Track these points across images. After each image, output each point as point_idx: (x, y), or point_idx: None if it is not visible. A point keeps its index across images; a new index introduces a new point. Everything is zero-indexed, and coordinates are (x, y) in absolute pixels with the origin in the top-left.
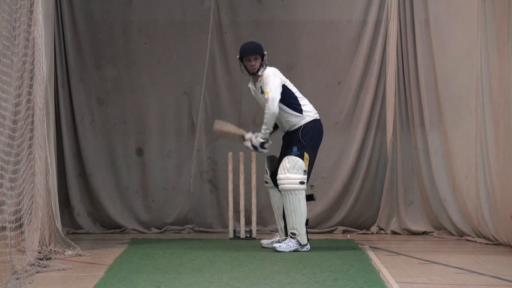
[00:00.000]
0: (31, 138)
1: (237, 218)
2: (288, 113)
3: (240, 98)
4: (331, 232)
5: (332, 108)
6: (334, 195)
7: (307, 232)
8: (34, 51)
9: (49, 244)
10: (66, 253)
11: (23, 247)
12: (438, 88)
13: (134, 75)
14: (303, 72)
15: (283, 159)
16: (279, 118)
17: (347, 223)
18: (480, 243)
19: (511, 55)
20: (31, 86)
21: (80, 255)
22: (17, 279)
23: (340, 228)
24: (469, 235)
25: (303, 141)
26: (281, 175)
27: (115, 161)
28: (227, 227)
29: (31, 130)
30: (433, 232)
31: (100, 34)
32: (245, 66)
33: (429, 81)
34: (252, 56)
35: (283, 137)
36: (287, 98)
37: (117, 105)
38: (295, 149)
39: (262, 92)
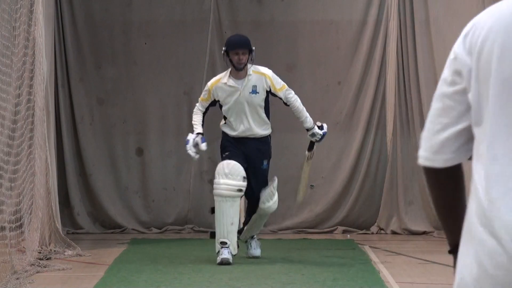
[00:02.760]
0: (31, 138)
1: None
2: (264, 117)
3: None
4: (331, 232)
5: (332, 108)
6: (334, 195)
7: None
8: (34, 51)
9: (49, 244)
10: (66, 253)
11: (23, 247)
12: None
13: (134, 75)
14: (303, 72)
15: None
16: (255, 119)
17: (347, 223)
18: None
19: None
20: (31, 86)
21: (80, 255)
22: (17, 279)
23: (340, 228)
24: None
25: (270, 154)
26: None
27: (115, 161)
28: None
29: (31, 130)
30: (433, 232)
31: (100, 34)
32: (230, 60)
33: (429, 81)
34: (241, 50)
35: (240, 138)
36: (268, 104)
37: (117, 105)
38: (265, 162)
39: (254, 91)
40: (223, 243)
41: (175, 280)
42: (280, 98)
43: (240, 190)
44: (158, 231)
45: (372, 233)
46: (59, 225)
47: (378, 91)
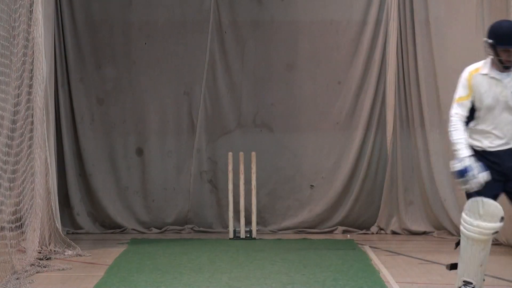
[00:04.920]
0: (30, 138)
1: (237, 218)
2: None
3: (240, 98)
4: (331, 232)
5: (332, 108)
6: (334, 195)
7: None
8: (34, 51)
9: (49, 244)
10: (66, 253)
11: (23, 247)
12: (438, 88)
13: (134, 75)
14: (303, 72)
15: None
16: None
17: (347, 223)
18: None
19: None
20: (30, 86)
21: (80, 255)
22: (17, 279)
23: (340, 228)
24: None
25: None
26: None
27: (115, 161)
28: (227, 227)
29: (31, 130)
30: (433, 232)
31: (100, 34)
32: (496, 54)
33: (429, 81)
34: None
35: (491, 152)
36: None
37: (117, 105)
38: None
39: None
40: (467, 283)
41: (175, 280)
42: None
43: (495, 232)
44: (158, 231)
45: (372, 233)
46: (59, 225)
47: (378, 91)
